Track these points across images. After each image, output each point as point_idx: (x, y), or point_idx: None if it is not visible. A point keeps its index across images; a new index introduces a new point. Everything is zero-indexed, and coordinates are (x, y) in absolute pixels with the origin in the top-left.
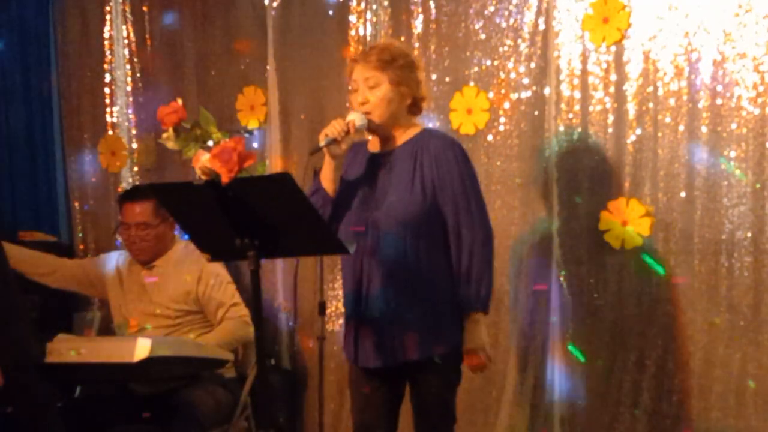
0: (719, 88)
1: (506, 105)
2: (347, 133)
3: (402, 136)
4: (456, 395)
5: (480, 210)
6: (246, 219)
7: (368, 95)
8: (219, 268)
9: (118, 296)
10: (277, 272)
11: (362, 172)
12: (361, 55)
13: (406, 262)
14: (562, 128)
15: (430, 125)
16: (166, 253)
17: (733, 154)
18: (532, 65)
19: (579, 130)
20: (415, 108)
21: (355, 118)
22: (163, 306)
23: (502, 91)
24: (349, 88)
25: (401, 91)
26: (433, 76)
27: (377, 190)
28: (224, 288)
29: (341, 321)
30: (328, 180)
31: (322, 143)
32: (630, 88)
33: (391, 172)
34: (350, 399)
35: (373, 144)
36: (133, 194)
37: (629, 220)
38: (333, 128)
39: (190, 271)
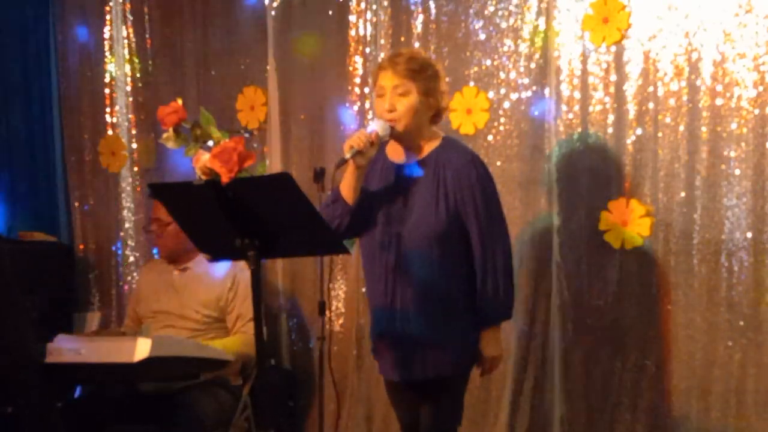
0: (719, 88)
1: (506, 105)
2: (371, 143)
3: (425, 147)
4: (463, 395)
5: (500, 226)
6: (246, 219)
7: (396, 103)
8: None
9: (148, 295)
10: (278, 272)
11: (386, 184)
12: (388, 62)
13: (432, 278)
14: (562, 128)
15: None
16: (198, 254)
17: (733, 154)
18: (532, 65)
19: (579, 130)
20: (437, 118)
21: (378, 128)
22: (193, 309)
23: (502, 91)
24: (374, 94)
25: (428, 102)
26: None
27: (402, 206)
28: (250, 301)
29: (341, 321)
30: (350, 189)
31: (347, 155)
32: (630, 88)
33: (415, 187)
34: (394, 408)
35: (396, 153)
36: None
37: (629, 220)
38: (358, 140)
39: (223, 276)
